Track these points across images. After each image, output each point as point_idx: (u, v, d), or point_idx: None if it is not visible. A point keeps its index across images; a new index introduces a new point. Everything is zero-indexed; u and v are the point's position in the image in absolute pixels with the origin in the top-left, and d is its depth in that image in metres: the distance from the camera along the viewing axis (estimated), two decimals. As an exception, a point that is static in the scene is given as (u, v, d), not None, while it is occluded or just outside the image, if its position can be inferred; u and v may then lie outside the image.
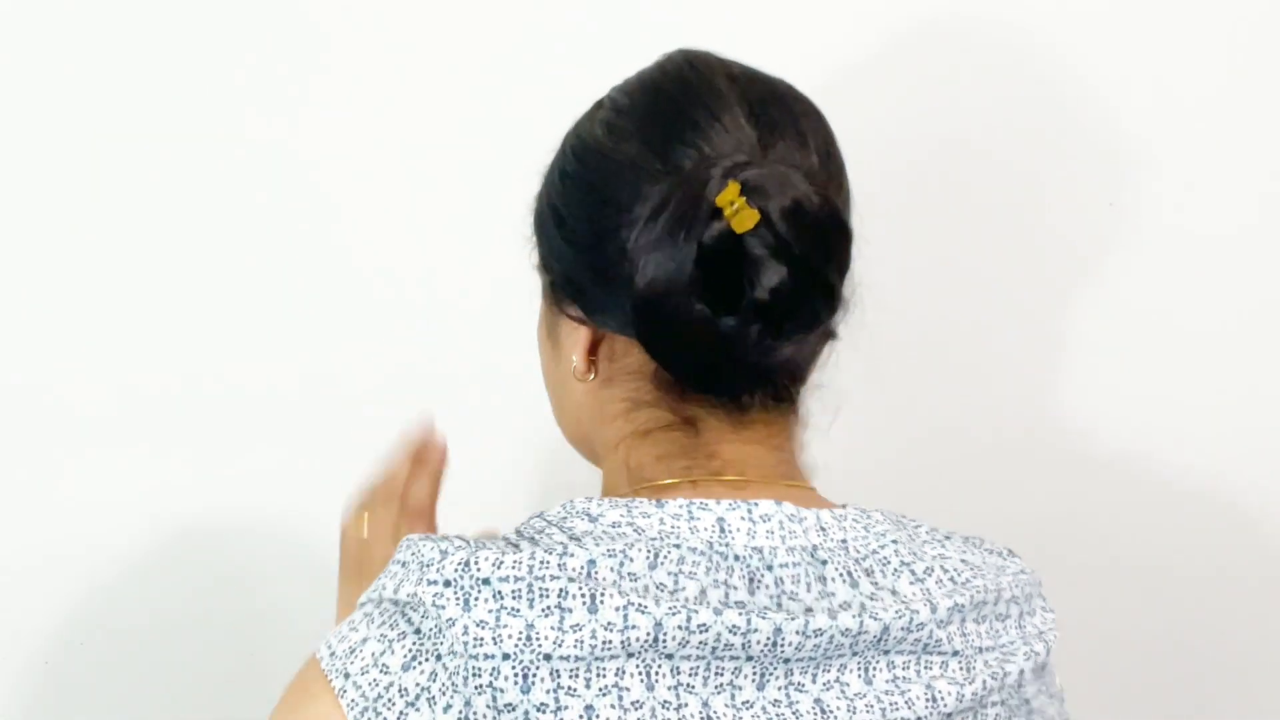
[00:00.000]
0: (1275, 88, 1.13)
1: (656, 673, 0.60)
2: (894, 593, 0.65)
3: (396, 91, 1.12)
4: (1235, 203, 1.15)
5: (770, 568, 0.65)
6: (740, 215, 0.61)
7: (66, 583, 1.16)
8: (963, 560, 0.68)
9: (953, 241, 1.15)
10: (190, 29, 1.09)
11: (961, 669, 0.65)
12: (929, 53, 1.12)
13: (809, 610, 0.63)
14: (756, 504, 0.66)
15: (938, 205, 1.14)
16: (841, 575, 0.65)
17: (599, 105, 0.71)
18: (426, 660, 0.60)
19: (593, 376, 0.70)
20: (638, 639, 0.60)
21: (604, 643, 0.60)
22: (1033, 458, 1.20)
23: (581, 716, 0.59)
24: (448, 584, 0.60)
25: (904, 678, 0.64)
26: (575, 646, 0.59)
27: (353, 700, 0.60)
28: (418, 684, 0.60)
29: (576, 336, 0.70)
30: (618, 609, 0.60)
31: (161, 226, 1.12)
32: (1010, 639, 0.68)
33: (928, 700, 0.64)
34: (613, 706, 0.59)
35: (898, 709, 0.63)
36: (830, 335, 0.69)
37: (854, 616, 0.63)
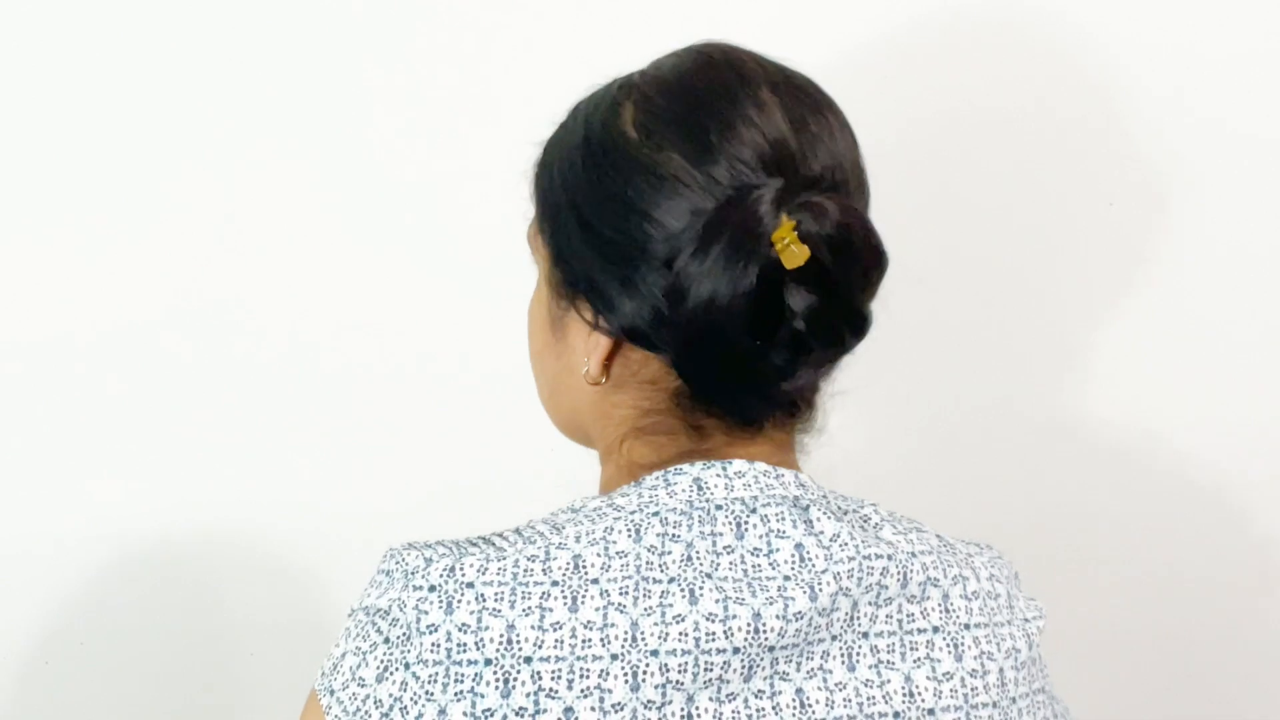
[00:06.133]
0: (1276, 86, 1.13)
1: (644, 671, 0.60)
2: (882, 540, 0.65)
3: (385, 94, 1.12)
4: (1236, 202, 1.15)
5: (754, 510, 0.65)
6: (788, 251, 0.60)
7: (66, 583, 1.16)
8: (937, 537, 0.69)
9: (953, 241, 1.15)
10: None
11: (948, 647, 0.65)
12: (929, 53, 1.12)
13: (783, 588, 0.62)
14: (730, 462, 0.66)
15: (937, 205, 1.14)
16: (827, 515, 0.65)
17: (625, 96, 0.67)
18: (396, 670, 0.61)
19: (604, 381, 0.69)
20: (617, 637, 0.60)
21: (584, 641, 0.60)
22: (1031, 455, 1.20)
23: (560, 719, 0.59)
24: (433, 589, 0.61)
25: (887, 662, 0.64)
26: (555, 646, 0.60)
27: (337, 716, 0.62)
28: (390, 695, 0.61)
29: (593, 342, 0.68)
30: (598, 608, 0.60)
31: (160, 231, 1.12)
32: (1004, 618, 0.68)
33: (905, 695, 0.64)
34: (593, 709, 0.59)
35: (875, 703, 0.63)
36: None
37: (830, 595, 0.62)
